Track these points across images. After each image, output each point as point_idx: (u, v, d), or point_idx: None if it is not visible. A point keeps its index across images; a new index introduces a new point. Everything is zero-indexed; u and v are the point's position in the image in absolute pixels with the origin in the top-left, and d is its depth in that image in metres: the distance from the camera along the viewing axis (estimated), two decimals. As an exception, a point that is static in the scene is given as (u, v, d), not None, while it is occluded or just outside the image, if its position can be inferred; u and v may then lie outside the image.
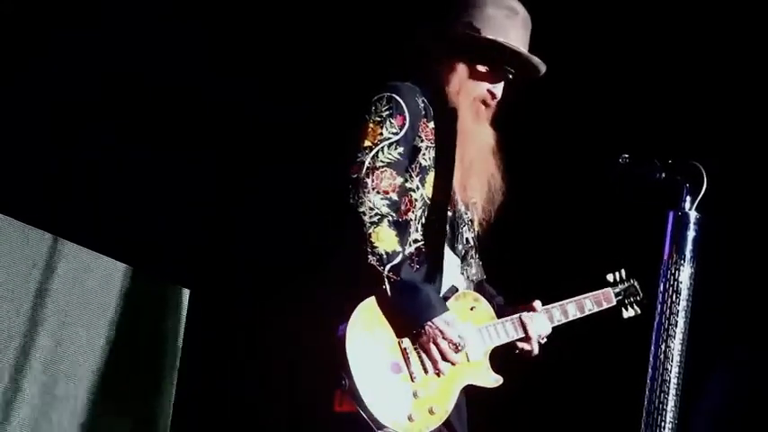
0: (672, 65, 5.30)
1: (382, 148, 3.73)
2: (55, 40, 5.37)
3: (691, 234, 3.99)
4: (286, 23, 5.72)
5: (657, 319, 3.93)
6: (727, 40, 5.18)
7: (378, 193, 3.69)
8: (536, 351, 4.06)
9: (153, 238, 5.56)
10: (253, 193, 5.81)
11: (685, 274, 3.96)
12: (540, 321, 4.06)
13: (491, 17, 3.85)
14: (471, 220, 3.98)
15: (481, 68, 3.90)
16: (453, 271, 3.90)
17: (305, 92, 5.74)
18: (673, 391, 3.88)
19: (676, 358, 3.89)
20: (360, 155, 3.74)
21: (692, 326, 3.93)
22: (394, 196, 3.72)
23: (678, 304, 3.93)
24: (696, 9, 5.21)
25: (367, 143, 3.74)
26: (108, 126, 5.52)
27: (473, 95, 3.90)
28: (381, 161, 3.72)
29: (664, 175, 4.01)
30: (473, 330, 3.83)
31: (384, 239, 3.66)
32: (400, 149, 3.75)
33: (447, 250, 3.88)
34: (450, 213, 3.88)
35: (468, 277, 3.96)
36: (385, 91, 3.82)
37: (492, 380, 3.87)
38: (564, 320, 4.13)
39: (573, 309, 4.16)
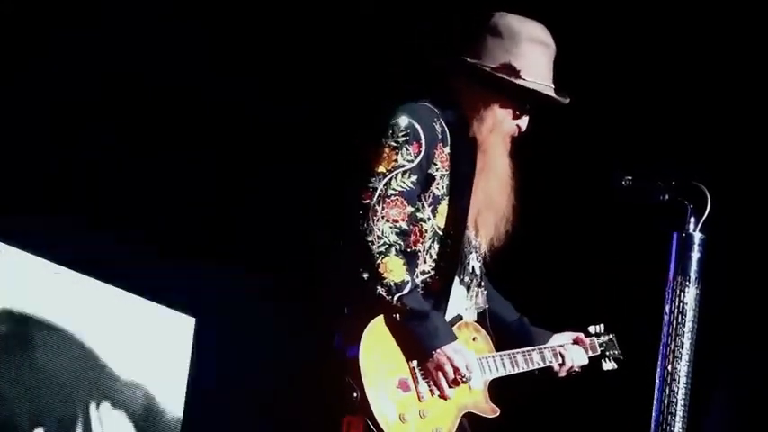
0: (673, 85, 5.33)
1: (396, 175, 3.73)
2: (55, 40, 5.36)
3: (695, 255, 4.07)
4: (287, 23, 5.70)
5: (663, 340, 4.01)
6: (728, 56, 5.21)
7: (387, 221, 3.69)
8: (561, 375, 4.17)
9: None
10: (252, 193, 5.80)
11: (690, 295, 4.04)
12: (576, 352, 4.19)
13: (528, 55, 3.83)
14: (477, 249, 3.99)
15: (512, 105, 3.90)
16: (459, 302, 3.94)
17: (305, 92, 5.73)
18: (680, 413, 3.98)
19: (683, 379, 3.99)
20: (373, 181, 3.74)
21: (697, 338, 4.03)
22: (404, 225, 3.73)
23: (684, 325, 4.01)
24: (701, 23, 5.22)
25: (381, 169, 3.74)
26: (108, 126, 5.51)
27: (505, 131, 3.91)
28: (394, 189, 3.72)
29: (667, 196, 4.08)
30: (474, 360, 3.86)
31: (392, 269, 3.69)
32: (413, 178, 3.75)
33: (455, 281, 3.90)
34: (464, 245, 3.90)
35: (473, 307, 3.99)
36: (404, 113, 3.79)
37: (490, 410, 3.92)
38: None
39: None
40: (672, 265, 4.07)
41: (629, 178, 4.09)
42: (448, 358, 3.72)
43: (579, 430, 4.91)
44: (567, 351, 4.12)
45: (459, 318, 3.94)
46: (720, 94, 5.14)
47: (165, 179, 5.64)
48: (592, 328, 4.30)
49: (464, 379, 3.75)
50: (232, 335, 5.70)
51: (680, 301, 4.04)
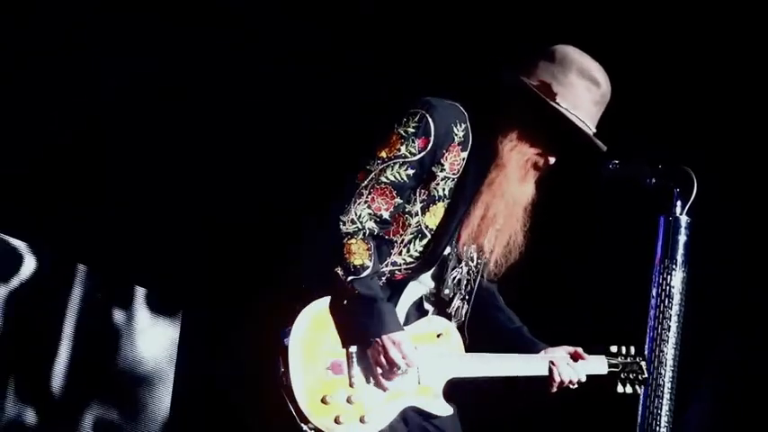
0: (660, 69, 5.33)
1: (393, 164, 3.69)
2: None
3: (682, 238, 4.06)
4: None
5: (650, 323, 4.00)
6: (714, 41, 5.21)
7: (369, 207, 3.67)
8: (553, 391, 3.96)
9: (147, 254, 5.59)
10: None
11: (677, 278, 4.03)
12: (571, 368, 3.95)
13: (572, 85, 3.73)
14: (476, 266, 3.90)
15: (543, 134, 3.78)
16: (418, 293, 3.84)
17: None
18: (667, 396, 3.97)
19: (670, 362, 3.98)
20: (371, 163, 3.71)
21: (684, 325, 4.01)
22: (385, 214, 3.70)
23: (671, 309, 4.00)
24: (690, 14, 5.22)
25: (383, 153, 3.70)
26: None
27: (527, 157, 3.78)
28: (386, 177, 3.69)
29: (654, 180, 4.06)
30: (433, 356, 3.78)
31: (355, 252, 3.65)
32: (410, 171, 3.69)
33: (426, 279, 3.83)
34: (447, 251, 3.81)
35: (451, 315, 3.88)
36: (422, 107, 3.72)
37: (441, 408, 3.80)
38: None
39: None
40: (658, 249, 4.06)
41: (616, 162, 4.05)
42: (384, 348, 3.62)
43: (566, 409, 4.89)
44: (559, 365, 3.94)
45: (425, 313, 3.85)
46: (707, 79, 5.14)
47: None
48: (614, 348, 4.10)
49: (399, 371, 3.65)
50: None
51: (666, 285, 4.03)
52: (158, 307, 5.70)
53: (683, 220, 4.06)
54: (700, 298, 4.21)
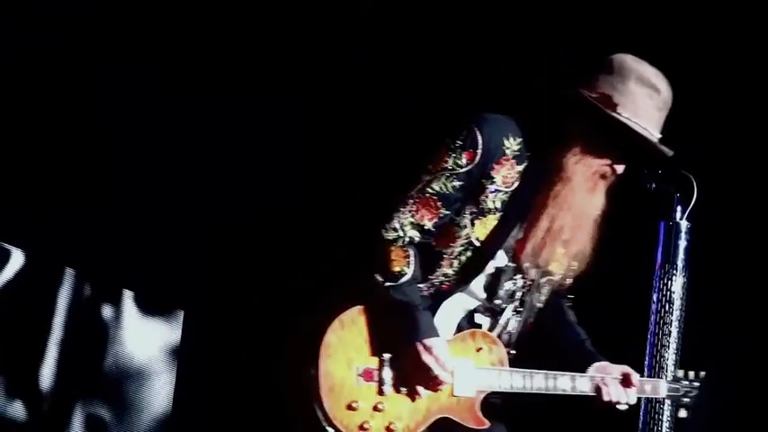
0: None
1: (440, 176, 3.73)
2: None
3: (682, 243, 4.09)
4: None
5: (651, 329, 4.02)
6: (714, 47, 5.21)
7: (413, 216, 3.72)
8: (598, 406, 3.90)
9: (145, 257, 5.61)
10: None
11: (678, 283, 4.06)
12: (622, 390, 3.85)
13: (632, 93, 3.73)
14: (534, 279, 3.88)
15: (608, 145, 3.76)
16: (469, 305, 3.86)
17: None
18: (668, 401, 4.00)
19: (671, 367, 4.00)
20: (421, 175, 3.76)
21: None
22: (428, 224, 3.74)
23: (672, 314, 4.03)
24: (686, 11, 5.22)
25: (431, 166, 3.76)
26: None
27: (594, 169, 3.77)
28: (433, 188, 3.73)
29: (654, 185, 4.07)
30: (469, 368, 3.78)
31: (394, 259, 3.70)
32: (457, 183, 3.72)
33: (477, 290, 3.84)
34: (503, 262, 3.82)
35: (502, 331, 3.88)
36: (473, 121, 3.75)
37: (474, 421, 3.79)
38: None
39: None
40: (659, 254, 4.08)
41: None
42: (418, 353, 3.65)
43: (567, 414, 4.89)
44: (609, 385, 3.86)
45: (477, 326, 3.86)
46: (707, 84, 5.14)
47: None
48: (680, 372, 4.01)
49: (434, 380, 3.67)
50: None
51: (667, 290, 4.05)
52: (158, 307, 5.71)
53: (684, 225, 4.09)
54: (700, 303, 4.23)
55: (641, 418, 4.10)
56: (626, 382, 3.87)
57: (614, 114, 3.71)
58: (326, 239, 5.59)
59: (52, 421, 5.44)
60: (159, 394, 5.70)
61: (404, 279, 3.70)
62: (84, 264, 5.47)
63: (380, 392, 3.68)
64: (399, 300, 3.68)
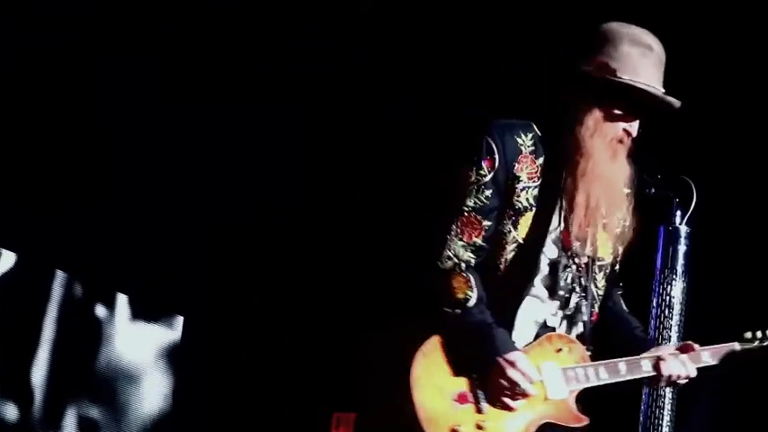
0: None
1: (470, 192, 3.76)
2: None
3: (682, 248, 4.10)
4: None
5: (651, 333, 4.04)
6: (713, 52, 5.22)
7: (461, 239, 3.75)
8: (661, 386, 3.87)
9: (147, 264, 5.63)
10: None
11: (677, 288, 4.08)
12: (679, 363, 3.81)
13: (626, 55, 3.76)
14: (586, 263, 3.86)
15: (616, 109, 3.78)
16: (540, 311, 3.84)
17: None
18: (668, 406, 4.01)
19: (670, 370, 4.00)
20: (455, 200, 3.78)
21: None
22: (478, 240, 3.76)
23: (671, 319, 4.05)
24: (685, 15, 5.23)
25: (460, 188, 3.79)
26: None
27: (610, 136, 3.79)
28: (468, 206, 3.75)
29: (653, 190, 4.08)
30: (555, 370, 3.77)
31: (456, 287, 3.73)
32: (488, 192, 3.75)
33: (539, 290, 3.83)
34: (553, 255, 3.81)
35: (570, 319, 3.87)
36: (482, 132, 3.79)
37: (574, 420, 3.77)
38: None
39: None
40: (658, 259, 4.09)
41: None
42: (502, 369, 3.65)
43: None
44: (666, 362, 3.82)
45: (551, 329, 3.84)
46: (706, 87, 5.15)
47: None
48: (748, 334, 3.91)
49: (522, 390, 3.67)
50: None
51: (667, 295, 4.06)
52: (158, 307, 5.73)
53: (683, 229, 4.10)
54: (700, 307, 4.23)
55: (641, 417, 4.12)
56: (684, 350, 3.85)
57: (615, 79, 3.74)
58: (326, 239, 5.61)
59: (45, 422, 5.46)
60: (156, 396, 5.73)
61: (471, 303, 3.72)
62: (84, 264, 5.48)
63: (479, 411, 3.69)
64: (471, 323, 3.71)
